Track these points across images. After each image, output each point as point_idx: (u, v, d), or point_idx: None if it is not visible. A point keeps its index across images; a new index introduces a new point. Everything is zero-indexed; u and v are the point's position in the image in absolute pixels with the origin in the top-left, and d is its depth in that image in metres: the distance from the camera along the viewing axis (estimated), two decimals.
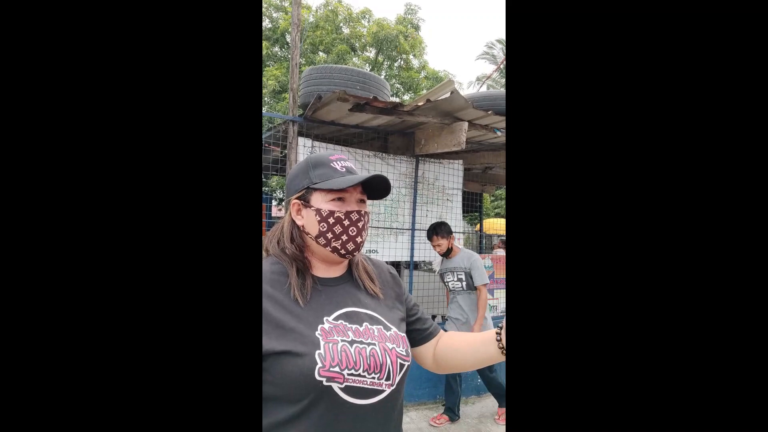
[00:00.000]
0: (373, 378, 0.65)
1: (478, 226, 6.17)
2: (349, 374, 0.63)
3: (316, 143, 2.84)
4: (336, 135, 3.20)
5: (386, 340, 0.69)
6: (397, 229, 3.23)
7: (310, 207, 0.71)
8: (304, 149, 2.73)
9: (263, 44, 7.90)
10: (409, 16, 8.56)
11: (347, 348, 0.64)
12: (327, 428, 0.62)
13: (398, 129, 3.09)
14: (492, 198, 10.48)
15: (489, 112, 2.62)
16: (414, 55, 8.60)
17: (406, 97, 8.36)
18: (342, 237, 0.70)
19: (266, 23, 8.48)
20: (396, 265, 3.47)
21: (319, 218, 0.70)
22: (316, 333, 0.64)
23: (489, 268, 3.48)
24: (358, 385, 0.63)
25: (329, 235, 0.70)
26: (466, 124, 2.67)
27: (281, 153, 3.06)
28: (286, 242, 0.73)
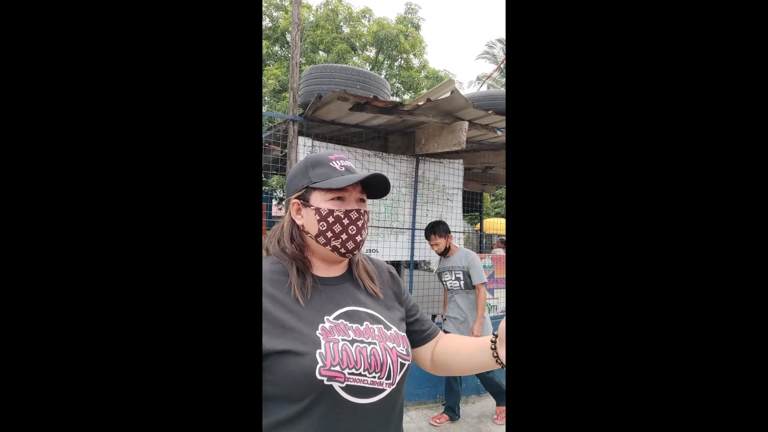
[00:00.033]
0: (374, 377, 0.65)
1: (478, 225, 6.17)
2: (349, 373, 0.63)
3: (317, 142, 2.84)
4: (336, 134, 3.20)
5: (387, 340, 0.69)
6: (397, 228, 3.23)
7: (310, 206, 0.71)
8: (304, 148, 2.73)
9: (263, 43, 7.89)
10: (410, 16, 8.55)
11: (348, 347, 0.64)
12: (328, 427, 0.62)
13: (398, 128, 3.09)
14: (492, 197, 10.48)
15: (489, 112, 2.61)
16: (414, 55, 8.60)
17: (406, 97, 8.36)
18: (342, 236, 0.70)
19: (266, 22, 8.47)
20: (396, 264, 3.47)
21: (318, 217, 0.70)
22: (317, 332, 0.65)
23: (489, 267, 3.48)
24: (358, 384, 0.63)
25: (329, 234, 0.70)
26: (467, 123, 2.67)
27: (281, 152, 3.06)
28: (286, 242, 0.73)
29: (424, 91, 6.99)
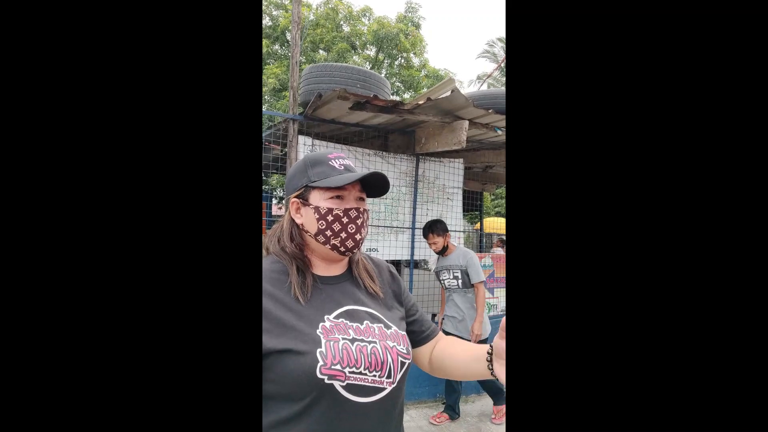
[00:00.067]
0: (375, 376, 0.65)
1: (478, 224, 6.17)
2: (350, 372, 0.63)
3: (317, 141, 2.84)
4: (336, 133, 3.20)
5: (387, 338, 0.69)
6: (397, 227, 3.23)
7: (309, 205, 0.71)
8: (304, 147, 2.73)
9: (263, 42, 7.89)
10: (410, 14, 8.54)
11: (348, 346, 0.64)
12: (328, 426, 0.62)
13: (399, 127, 3.09)
14: (492, 197, 10.48)
15: (489, 111, 2.61)
16: (414, 54, 8.59)
17: (406, 96, 8.35)
18: (341, 234, 0.70)
19: (266, 21, 8.46)
20: (396, 263, 3.47)
21: (317, 216, 0.70)
22: (317, 331, 0.65)
23: (489, 266, 3.49)
24: (359, 383, 0.63)
25: (328, 233, 0.70)
26: (467, 122, 2.67)
27: (281, 151, 3.06)
28: (286, 241, 0.73)
29: (425, 90, 6.99)
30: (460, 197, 3.55)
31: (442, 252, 2.71)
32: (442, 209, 3.43)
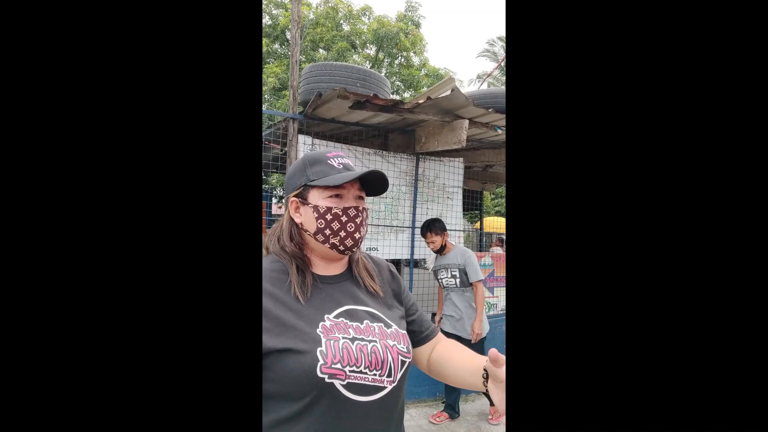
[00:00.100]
0: (375, 375, 0.65)
1: (478, 224, 6.18)
2: (350, 371, 0.63)
3: (317, 141, 2.83)
4: (336, 132, 3.20)
5: (387, 337, 0.69)
6: (397, 227, 3.23)
7: (308, 204, 0.71)
8: (304, 147, 2.73)
9: (263, 41, 7.88)
10: (410, 13, 8.53)
11: (348, 345, 0.64)
12: (329, 425, 0.62)
13: (399, 127, 3.09)
14: (492, 196, 10.48)
15: (490, 110, 2.61)
16: (414, 53, 8.58)
17: (406, 95, 8.34)
18: (340, 233, 0.70)
19: (266, 20, 8.45)
20: (396, 263, 3.47)
21: (316, 215, 0.70)
22: (318, 330, 0.65)
23: (489, 266, 3.49)
24: (359, 382, 0.63)
25: (327, 232, 0.70)
26: (467, 121, 2.66)
27: (281, 150, 3.06)
28: (286, 240, 0.73)
29: (425, 89, 6.98)
30: (460, 196, 3.55)
31: (440, 251, 2.70)
32: (442, 208, 3.43)
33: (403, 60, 8.54)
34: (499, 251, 4.99)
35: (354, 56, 8.18)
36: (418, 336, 0.80)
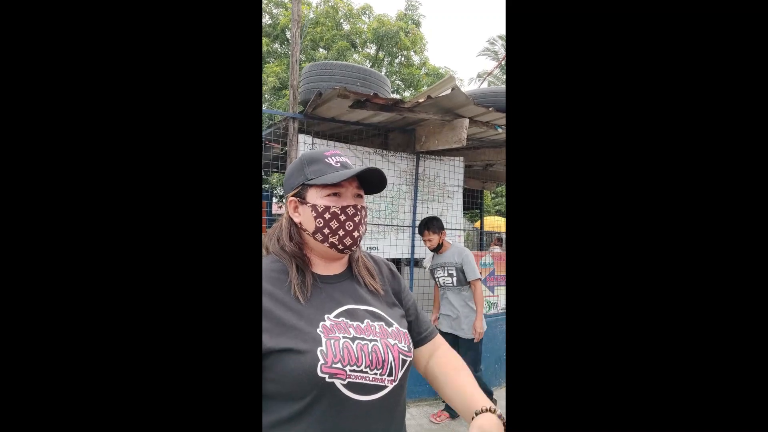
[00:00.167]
0: (376, 374, 0.65)
1: (478, 223, 6.17)
2: (351, 370, 0.63)
3: (317, 140, 2.83)
4: (336, 132, 3.20)
5: (388, 336, 0.69)
6: (397, 226, 3.23)
7: (307, 203, 0.71)
8: (304, 146, 2.73)
9: (263, 41, 7.87)
10: (410, 12, 8.52)
11: (349, 344, 0.64)
12: (330, 425, 0.62)
13: (399, 126, 3.08)
14: (493, 195, 10.48)
15: (490, 109, 2.61)
16: (415, 52, 8.57)
17: (406, 94, 8.34)
18: (339, 232, 0.70)
19: (266, 20, 8.45)
20: (396, 262, 3.47)
21: (315, 214, 0.70)
22: (318, 330, 0.65)
23: (489, 264, 3.48)
24: (360, 381, 0.63)
25: (326, 231, 0.70)
26: (467, 120, 2.66)
27: (281, 150, 3.06)
28: (285, 240, 0.73)
29: (425, 88, 6.97)
30: (461, 195, 3.54)
31: (437, 249, 2.70)
32: (443, 208, 3.43)
33: (403, 59, 8.54)
34: (498, 250, 4.99)
35: (354, 55, 8.17)
36: (416, 338, 0.80)
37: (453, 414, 2.77)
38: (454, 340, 2.59)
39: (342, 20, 8.37)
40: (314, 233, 0.71)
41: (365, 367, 0.64)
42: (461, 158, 3.52)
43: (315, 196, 0.71)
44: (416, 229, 3.19)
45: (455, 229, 3.46)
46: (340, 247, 0.71)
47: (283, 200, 0.79)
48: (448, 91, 2.40)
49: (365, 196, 0.75)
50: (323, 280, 0.72)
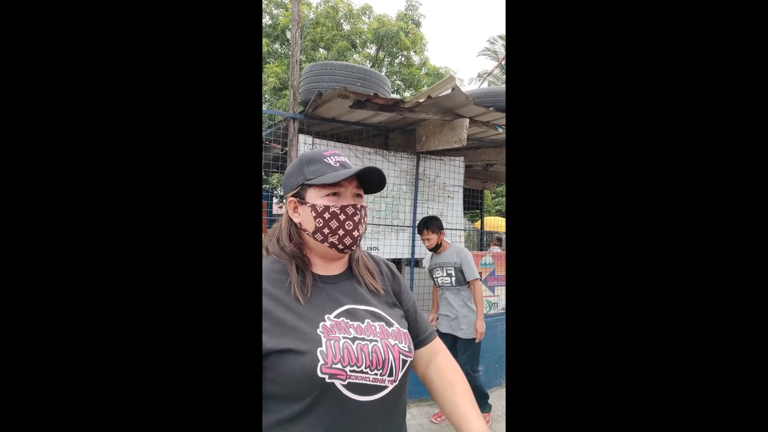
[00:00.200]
0: (376, 374, 0.65)
1: (478, 223, 6.17)
2: (351, 371, 0.63)
3: (317, 140, 2.83)
4: (337, 132, 3.20)
5: (388, 337, 0.69)
6: (398, 226, 3.23)
7: (306, 204, 0.71)
8: (304, 146, 2.73)
9: (263, 41, 7.87)
10: (410, 12, 8.52)
11: (349, 345, 0.64)
12: (330, 425, 0.62)
13: (399, 126, 3.08)
14: (493, 195, 10.48)
15: (490, 109, 2.61)
16: (415, 52, 8.57)
17: (406, 94, 8.34)
18: (339, 232, 0.70)
19: (266, 20, 8.45)
20: (397, 262, 3.47)
21: (314, 214, 0.70)
22: (318, 330, 0.64)
23: (489, 264, 3.48)
24: (360, 381, 0.63)
25: (326, 231, 0.70)
26: (467, 120, 2.66)
27: (282, 150, 3.06)
28: (285, 240, 0.73)
29: (425, 88, 6.97)
30: (461, 195, 3.54)
31: (435, 249, 2.70)
32: (443, 208, 3.43)
33: (403, 59, 8.54)
34: (497, 250, 4.99)
35: (354, 55, 8.17)
36: (414, 340, 0.79)
37: None
38: (452, 341, 2.59)
39: (342, 20, 8.38)
40: (314, 233, 0.71)
41: (365, 368, 0.64)
42: (461, 158, 3.52)
43: (314, 196, 0.71)
44: (416, 229, 3.20)
45: (455, 229, 3.46)
46: (340, 246, 0.71)
47: (283, 201, 0.79)
48: (448, 91, 2.40)
49: (365, 196, 0.75)
50: (323, 280, 0.72)
